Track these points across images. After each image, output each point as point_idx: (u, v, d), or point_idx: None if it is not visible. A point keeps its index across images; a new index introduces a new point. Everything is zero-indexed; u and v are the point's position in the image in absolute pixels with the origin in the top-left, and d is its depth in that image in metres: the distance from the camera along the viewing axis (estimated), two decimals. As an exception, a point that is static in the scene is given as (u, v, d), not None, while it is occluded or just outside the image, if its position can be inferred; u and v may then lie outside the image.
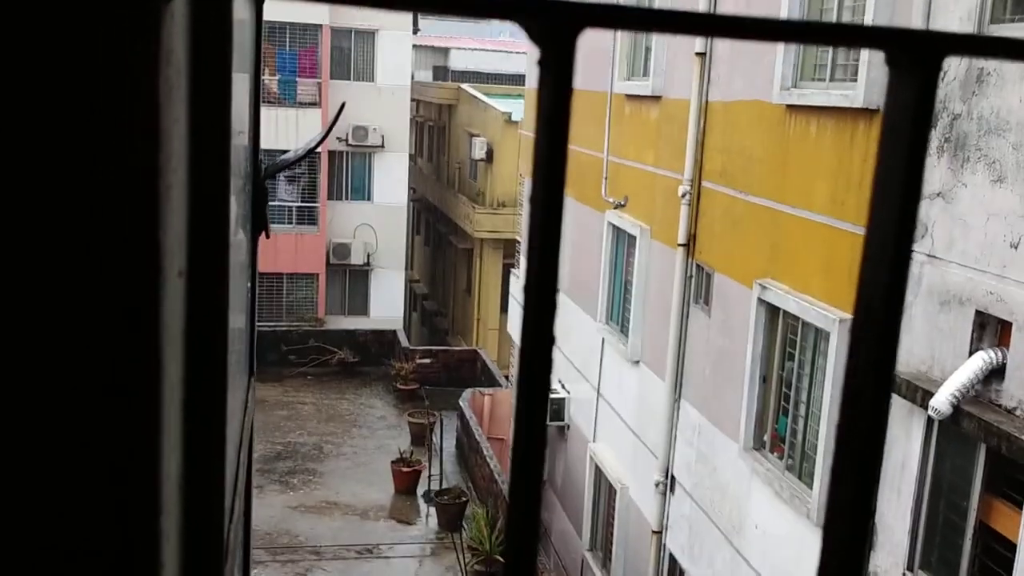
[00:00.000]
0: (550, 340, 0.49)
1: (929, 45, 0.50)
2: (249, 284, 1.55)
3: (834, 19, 7.92)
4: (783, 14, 8.38)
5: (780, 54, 8.42)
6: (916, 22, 6.66)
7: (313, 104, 25.34)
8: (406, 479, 17.57)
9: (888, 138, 0.51)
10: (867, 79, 7.19)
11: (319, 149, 25.23)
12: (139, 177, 0.44)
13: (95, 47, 0.42)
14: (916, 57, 0.50)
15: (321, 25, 25.22)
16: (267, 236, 1.64)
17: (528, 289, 0.48)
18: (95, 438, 0.47)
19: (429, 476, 17.50)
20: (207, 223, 0.62)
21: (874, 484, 0.53)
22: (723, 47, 9.78)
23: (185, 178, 0.58)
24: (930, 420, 6.31)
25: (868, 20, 7.20)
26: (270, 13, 26.69)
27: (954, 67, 6.37)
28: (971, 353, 6.01)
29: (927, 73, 0.49)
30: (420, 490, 17.64)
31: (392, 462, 17.79)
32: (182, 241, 0.57)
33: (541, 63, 0.48)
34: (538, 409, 0.51)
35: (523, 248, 18.18)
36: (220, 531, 0.80)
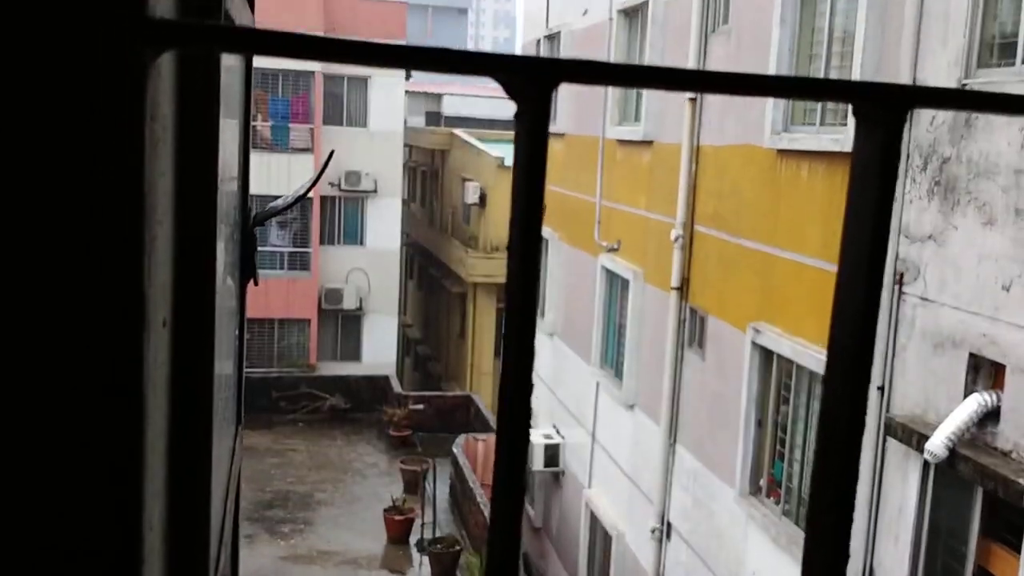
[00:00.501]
0: (528, 383, 0.49)
1: (893, 98, 0.51)
2: (237, 332, 1.56)
3: (823, 63, 8.04)
4: (772, 60, 8.50)
5: (770, 99, 8.53)
6: (904, 66, 6.76)
7: (306, 150, 25.50)
8: (399, 528, 17.37)
9: (856, 188, 0.52)
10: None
11: (311, 194, 25.34)
12: (123, 229, 0.45)
13: (81, 103, 0.44)
14: (881, 110, 0.51)
15: (314, 72, 25.48)
16: (255, 283, 1.64)
17: (507, 339, 0.49)
18: (74, 486, 0.47)
19: (422, 524, 17.30)
20: (193, 273, 0.63)
21: (851, 511, 0.53)
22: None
23: (171, 229, 0.59)
24: (926, 464, 6.29)
25: (856, 64, 7.31)
26: (262, 60, 27.00)
27: (942, 111, 6.46)
28: (966, 396, 6.01)
29: (892, 125, 0.51)
30: (413, 539, 17.43)
31: (384, 510, 17.60)
32: (167, 291, 0.58)
33: (517, 116, 0.49)
34: (518, 462, 0.51)
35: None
36: (204, 581, 0.79)
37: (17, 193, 0.45)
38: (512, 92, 0.48)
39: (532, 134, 0.48)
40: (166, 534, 0.64)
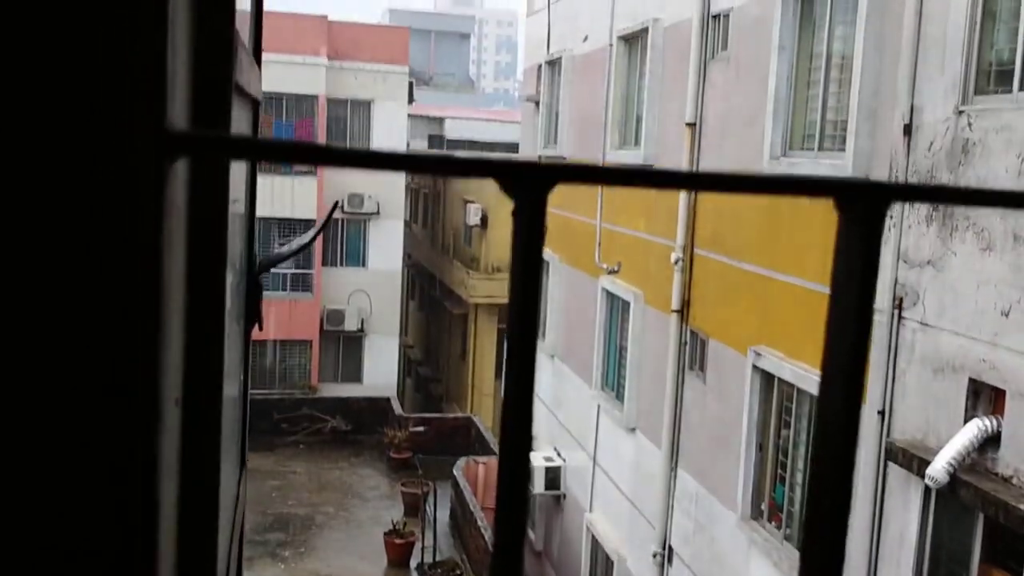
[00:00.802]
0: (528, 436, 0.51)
1: (874, 193, 0.54)
2: (242, 377, 1.58)
3: (821, 89, 8.09)
4: (771, 86, 8.56)
5: (769, 123, 8.59)
6: (901, 93, 6.81)
7: (309, 173, 25.60)
8: (399, 551, 17.29)
9: (839, 279, 0.54)
10: (855, 149, 7.32)
11: (313, 215, 25.41)
12: (139, 324, 0.48)
13: (101, 209, 0.46)
14: (862, 205, 0.53)
15: (317, 96, 25.62)
16: (260, 329, 1.67)
17: (503, 431, 0.51)
18: (90, 564, 0.49)
19: (423, 548, 17.23)
20: (203, 351, 0.65)
21: (846, 528, 0.55)
22: (713, 116, 9.96)
23: (183, 311, 0.61)
24: (927, 489, 6.28)
25: (854, 90, 7.36)
26: (267, 84, 27.02)
27: (939, 137, 6.50)
28: (966, 421, 6.01)
29: (872, 220, 0.53)
30: (413, 562, 17.35)
31: (385, 533, 17.53)
32: (179, 371, 0.60)
33: (514, 214, 0.52)
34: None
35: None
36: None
37: (43, 289, 0.47)
38: (510, 192, 0.51)
39: (529, 232, 0.50)
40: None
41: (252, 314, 1.55)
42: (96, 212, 0.46)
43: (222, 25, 0.71)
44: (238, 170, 1.44)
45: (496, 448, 20.93)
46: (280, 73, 24.63)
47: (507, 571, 0.52)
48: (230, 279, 1.37)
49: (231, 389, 1.33)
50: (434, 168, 0.50)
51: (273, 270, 26.23)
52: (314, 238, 2.56)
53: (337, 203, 3.24)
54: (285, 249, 2.62)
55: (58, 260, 0.47)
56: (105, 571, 0.51)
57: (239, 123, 1.22)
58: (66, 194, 0.45)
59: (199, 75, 0.67)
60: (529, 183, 0.49)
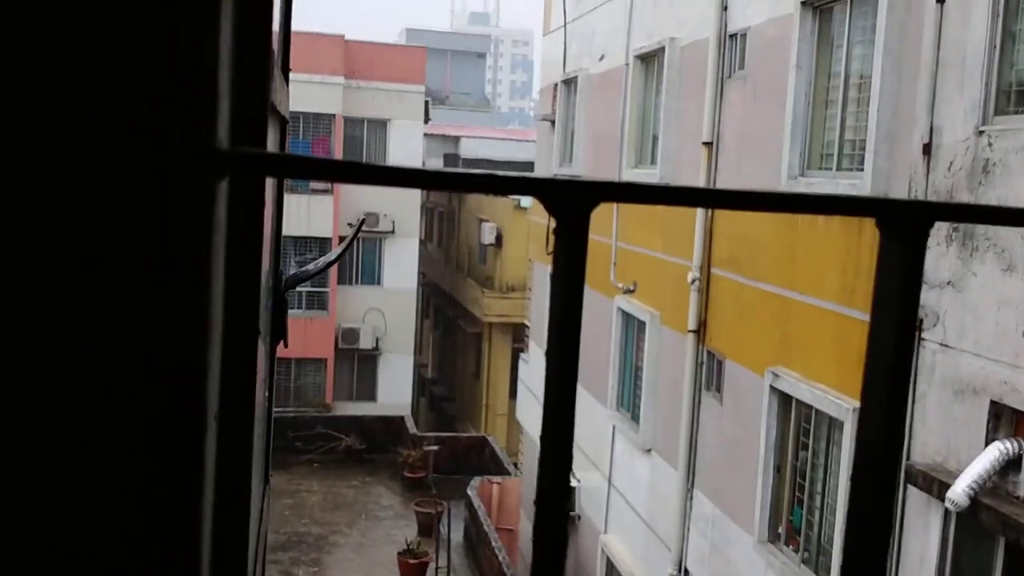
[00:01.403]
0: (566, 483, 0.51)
1: (916, 213, 0.53)
2: (267, 393, 1.58)
3: (839, 108, 8.08)
4: (788, 106, 8.55)
5: (787, 143, 8.58)
6: (920, 113, 6.79)
7: (325, 192, 25.74)
8: (413, 571, 17.22)
9: (880, 297, 0.54)
10: (874, 168, 7.30)
11: (330, 234, 25.52)
12: (191, 333, 0.48)
13: (153, 227, 0.47)
14: (904, 224, 0.53)
15: (334, 115, 25.79)
16: (285, 346, 1.67)
17: (543, 452, 0.51)
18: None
19: (436, 568, 17.16)
20: (237, 367, 0.66)
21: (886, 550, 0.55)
22: (730, 136, 9.96)
23: (220, 327, 0.62)
24: (947, 512, 6.21)
25: (873, 109, 7.34)
26: (285, 104, 27.09)
27: (959, 157, 6.47)
28: (987, 443, 5.95)
29: (915, 239, 0.53)
30: (428, 581, 17.26)
31: (399, 553, 17.47)
32: (216, 385, 0.61)
33: (557, 231, 0.52)
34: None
35: (534, 338, 17.92)
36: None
37: (101, 307, 0.48)
38: (553, 210, 0.51)
39: (571, 249, 0.50)
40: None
41: (278, 331, 1.56)
42: (150, 229, 0.46)
43: (261, 44, 0.72)
44: (267, 189, 1.45)
45: (510, 468, 20.86)
46: (297, 92, 24.74)
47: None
48: (260, 297, 1.38)
49: (258, 407, 1.34)
50: (477, 187, 0.50)
51: (289, 288, 26.33)
52: (341, 255, 2.57)
53: (363, 219, 3.26)
54: (311, 267, 2.63)
55: (113, 278, 0.47)
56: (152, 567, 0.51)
57: (270, 141, 1.23)
58: (122, 210, 0.46)
59: (239, 94, 0.68)
60: (572, 201, 0.49)
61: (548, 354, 0.52)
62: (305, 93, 25.08)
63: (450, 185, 0.49)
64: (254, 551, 1.20)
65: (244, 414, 0.68)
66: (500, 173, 0.51)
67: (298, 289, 26.21)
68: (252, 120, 0.71)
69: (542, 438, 0.52)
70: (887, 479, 0.55)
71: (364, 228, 26.36)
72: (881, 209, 0.54)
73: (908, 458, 6.70)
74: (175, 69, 0.46)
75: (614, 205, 12.98)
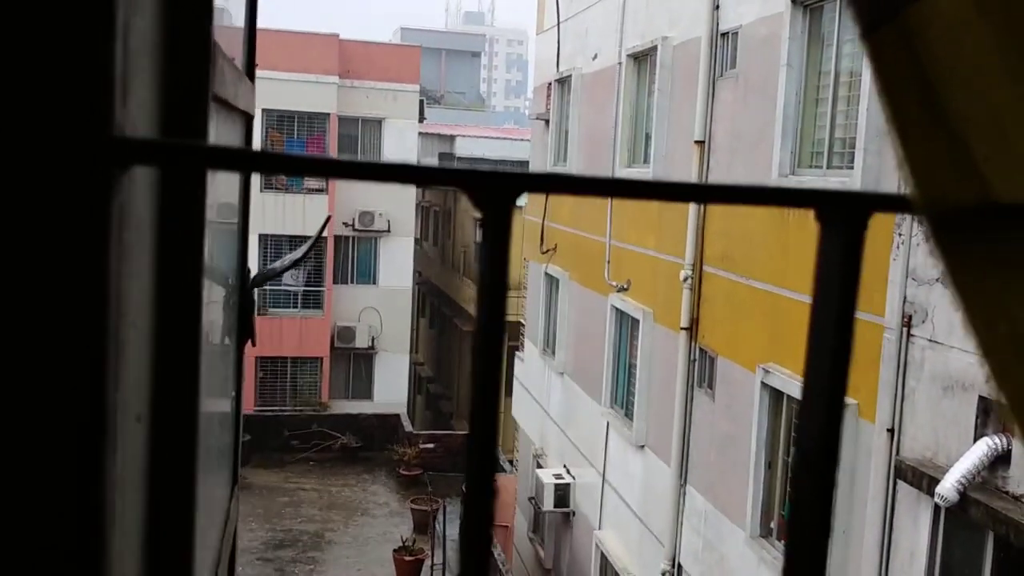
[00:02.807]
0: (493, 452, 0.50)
1: (855, 204, 0.52)
2: (234, 394, 1.56)
3: (829, 106, 8.08)
4: (779, 103, 8.55)
5: (778, 141, 8.57)
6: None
7: (320, 191, 25.70)
8: (409, 568, 17.22)
9: (820, 289, 0.53)
10: (864, 166, 7.29)
11: (325, 234, 25.48)
12: (85, 336, 0.46)
13: (45, 220, 0.45)
14: (843, 215, 0.52)
15: (329, 114, 25.75)
16: (253, 344, 1.66)
17: (470, 447, 0.49)
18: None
19: (432, 565, 17.16)
20: (176, 367, 0.64)
21: (828, 533, 0.53)
22: (722, 134, 9.96)
23: (149, 324, 0.60)
24: (937, 508, 6.21)
25: (863, 107, 7.34)
26: (279, 102, 27.00)
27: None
28: (976, 439, 5.95)
29: (854, 230, 0.52)
30: (423, 579, 17.26)
31: (394, 551, 17.47)
32: (142, 386, 0.59)
33: (481, 224, 0.50)
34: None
35: (529, 336, 17.97)
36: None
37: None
38: (477, 203, 0.50)
39: (495, 240, 0.49)
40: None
41: (245, 330, 1.54)
42: (32, 219, 0.45)
43: (197, 35, 0.70)
44: (229, 186, 1.43)
45: (505, 465, 20.87)
46: (292, 91, 24.78)
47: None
48: (222, 294, 1.36)
49: (220, 405, 1.32)
50: (398, 177, 0.48)
51: (284, 287, 26.32)
52: (307, 253, 2.55)
53: (329, 217, 3.26)
54: (278, 264, 2.62)
55: None
56: None
57: (227, 136, 1.22)
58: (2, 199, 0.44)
59: (172, 85, 0.66)
60: (495, 192, 0.48)
61: (473, 339, 0.51)
62: (299, 92, 25.05)
63: (368, 175, 0.48)
64: (216, 553, 1.18)
65: (184, 414, 0.67)
66: (422, 164, 0.49)
67: (293, 288, 26.19)
68: (189, 112, 0.69)
69: (467, 450, 0.51)
70: (828, 468, 0.53)
71: (359, 227, 26.35)
72: (819, 200, 0.53)
73: (898, 453, 6.70)
74: (62, 54, 0.44)
75: (608, 204, 12.97)
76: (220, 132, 1.08)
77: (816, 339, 0.54)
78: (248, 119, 1.55)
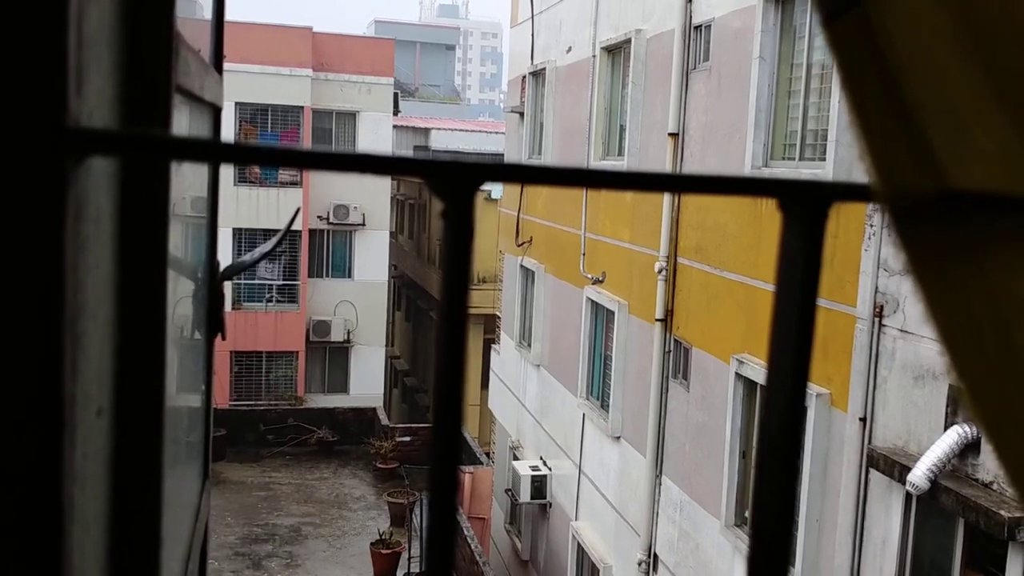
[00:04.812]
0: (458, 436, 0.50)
1: (816, 194, 0.52)
2: (204, 387, 1.55)
3: (802, 99, 8.13)
4: (752, 96, 8.59)
5: (750, 133, 8.62)
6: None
7: (294, 184, 25.55)
8: (385, 561, 17.21)
9: (782, 278, 0.53)
10: (835, 158, 7.35)
11: (299, 227, 25.35)
12: (38, 330, 0.46)
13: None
14: (804, 205, 0.52)
15: (303, 107, 25.59)
16: (223, 338, 1.65)
17: (434, 438, 0.49)
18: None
19: (409, 558, 17.16)
20: (137, 361, 0.63)
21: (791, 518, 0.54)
22: (696, 126, 9.99)
23: (111, 316, 0.59)
24: (908, 496, 6.29)
25: (835, 99, 7.39)
26: (252, 95, 26.79)
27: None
28: (947, 427, 6.03)
29: (816, 219, 0.52)
30: (400, 572, 17.26)
31: (371, 544, 17.45)
32: (104, 379, 0.58)
33: (443, 215, 0.50)
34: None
35: (505, 329, 17.96)
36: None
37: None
38: (438, 192, 0.49)
39: (457, 231, 0.49)
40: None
41: (214, 323, 1.53)
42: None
43: (159, 25, 0.69)
44: (198, 178, 1.42)
45: (482, 458, 20.91)
46: (265, 84, 24.61)
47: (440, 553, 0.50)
48: (191, 287, 1.35)
49: (189, 399, 1.30)
50: (361, 167, 0.48)
51: (259, 281, 26.16)
52: (276, 245, 2.54)
53: (299, 209, 3.24)
54: (248, 257, 2.60)
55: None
56: None
57: (194, 129, 1.20)
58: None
59: (133, 76, 0.65)
60: (455, 182, 0.48)
61: (437, 331, 0.51)
62: (273, 85, 24.87)
63: (329, 165, 0.47)
64: (186, 548, 1.17)
65: (148, 408, 0.66)
66: (381, 153, 0.49)
67: (268, 282, 26.03)
68: (150, 102, 0.68)
69: (433, 432, 0.51)
70: (790, 456, 0.54)
71: (334, 220, 26.22)
72: (781, 190, 0.53)
73: (870, 442, 6.77)
74: (10, 41, 0.43)
75: (583, 197, 12.99)
76: (186, 124, 1.07)
77: (779, 326, 0.54)
78: (216, 112, 1.54)
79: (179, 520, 1.09)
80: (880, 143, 0.50)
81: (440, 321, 0.52)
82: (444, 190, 0.48)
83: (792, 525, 0.53)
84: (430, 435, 0.50)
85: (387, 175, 0.50)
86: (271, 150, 0.46)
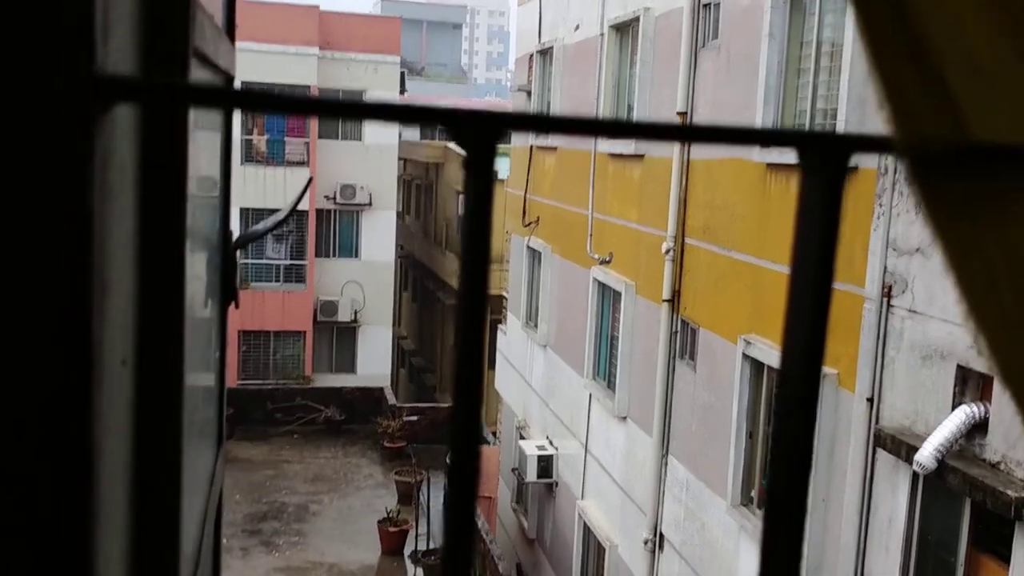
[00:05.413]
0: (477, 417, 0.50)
1: (836, 146, 0.52)
2: (218, 353, 1.56)
3: (811, 76, 8.08)
4: (761, 74, 8.54)
5: (759, 111, 8.58)
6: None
7: (301, 163, 25.53)
8: (393, 539, 17.33)
9: (801, 233, 0.53)
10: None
11: (307, 208, 25.36)
12: (68, 276, 0.46)
13: (27, 159, 0.45)
14: (824, 157, 0.52)
15: (309, 86, 25.52)
16: (236, 306, 1.65)
17: (456, 378, 0.50)
18: (19, 524, 0.47)
19: (416, 536, 17.27)
20: (158, 313, 0.64)
21: (805, 503, 0.54)
22: (704, 105, 9.95)
23: (132, 269, 0.60)
24: (915, 475, 6.30)
25: (844, 78, 7.34)
26: (259, 74, 26.70)
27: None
28: (954, 407, 6.03)
29: (835, 172, 0.52)
30: (407, 550, 17.39)
31: (379, 522, 17.56)
32: (128, 330, 0.59)
33: (466, 165, 0.51)
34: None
35: (511, 310, 17.94)
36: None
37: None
38: (460, 142, 0.50)
39: (480, 179, 0.49)
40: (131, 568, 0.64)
41: (228, 291, 1.54)
42: (15, 157, 0.44)
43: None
44: (211, 148, 1.42)
45: (488, 437, 20.97)
46: (271, 63, 24.54)
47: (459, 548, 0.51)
48: (205, 254, 1.35)
49: (205, 365, 1.32)
50: (381, 115, 0.48)
51: (266, 261, 26.19)
52: (290, 213, 2.55)
53: (311, 179, 3.24)
54: (260, 226, 2.61)
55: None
56: (40, 515, 0.49)
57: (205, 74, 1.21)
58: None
59: (152, 33, 0.66)
60: (478, 131, 0.48)
61: (459, 288, 0.51)
62: (279, 65, 24.80)
63: (348, 114, 0.48)
64: (202, 512, 1.19)
65: (170, 361, 0.67)
66: (404, 102, 0.49)
67: (276, 262, 26.07)
68: (169, 61, 0.68)
69: (454, 397, 0.51)
70: (807, 419, 0.54)
71: (341, 200, 26.21)
72: (799, 141, 0.53)
73: (877, 422, 6.78)
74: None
75: (590, 177, 12.96)
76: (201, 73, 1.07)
77: (797, 284, 0.54)
78: (229, 80, 1.54)
79: (197, 485, 1.10)
80: (898, 91, 0.50)
81: (462, 270, 0.52)
82: (467, 139, 0.48)
83: (807, 493, 0.53)
84: (448, 413, 0.51)
85: (408, 124, 0.50)
86: (289, 98, 0.47)
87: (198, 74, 0.90)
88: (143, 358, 0.62)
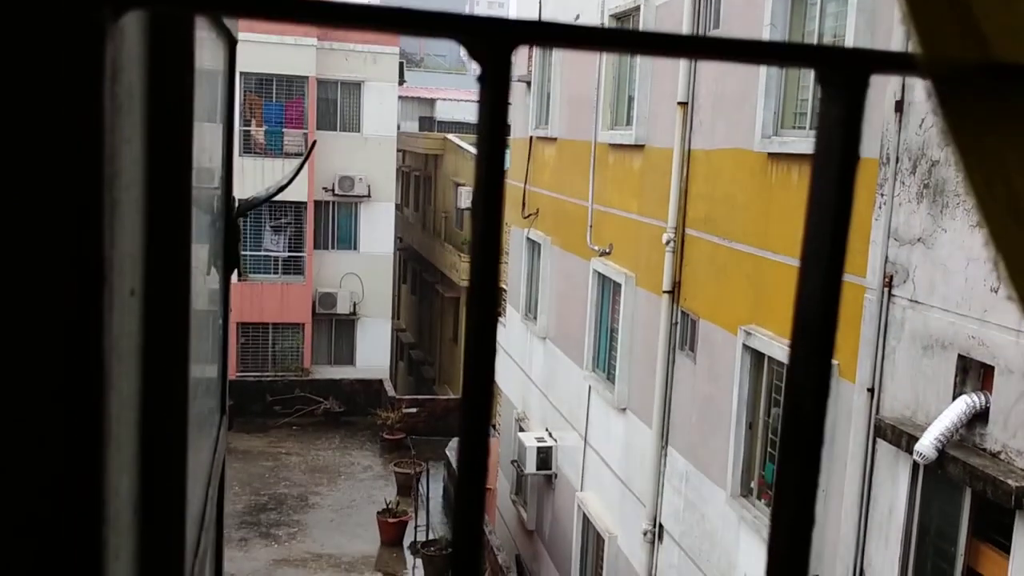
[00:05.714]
0: (492, 342, 0.49)
1: (856, 62, 0.52)
2: (221, 321, 1.56)
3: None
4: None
5: (760, 102, 8.56)
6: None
7: (299, 154, 25.47)
8: (392, 530, 17.35)
9: (821, 155, 0.52)
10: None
11: (305, 199, 25.32)
12: (80, 190, 0.45)
13: (34, 66, 0.44)
14: (845, 74, 0.51)
15: (308, 77, 25.47)
16: (240, 276, 1.65)
17: (470, 305, 0.49)
18: (33, 452, 0.47)
19: (416, 527, 17.29)
20: (165, 243, 0.63)
21: (815, 486, 0.53)
22: (705, 95, 9.93)
23: (140, 198, 0.59)
24: (916, 465, 6.30)
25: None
26: (257, 65, 26.65)
27: (931, 114, 6.48)
28: (955, 397, 6.03)
29: (855, 89, 0.51)
30: (407, 541, 17.40)
31: (378, 513, 17.58)
32: (136, 261, 0.58)
33: (480, 78, 0.50)
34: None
35: (510, 302, 17.93)
36: (180, 560, 0.79)
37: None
38: (473, 53, 0.49)
39: (493, 94, 0.48)
40: (137, 501, 0.63)
41: (231, 257, 1.53)
42: (25, 61, 0.44)
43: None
44: (213, 130, 1.41)
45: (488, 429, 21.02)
46: (270, 54, 24.48)
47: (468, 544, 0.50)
48: (207, 219, 1.34)
49: (209, 329, 1.31)
50: (393, 25, 0.47)
51: (265, 253, 26.16)
52: (292, 178, 2.54)
53: (314, 143, 3.23)
54: (262, 192, 2.60)
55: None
56: (51, 446, 0.48)
57: (214, 58, 1.20)
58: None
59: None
60: (494, 40, 0.47)
61: (472, 212, 0.50)
62: (278, 55, 24.74)
63: (354, 22, 0.47)
64: (207, 475, 1.18)
65: (176, 291, 0.66)
66: (418, 10, 0.48)
67: (274, 254, 26.05)
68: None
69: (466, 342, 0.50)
70: (824, 353, 0.53)
71: (339, 192, 26.18)
72: (819, 57, 0.53)
73: (877, 412, 6.77)
74: None
75: (590, 168, 12.94)
76: (211, 54, 1.06)
77: (817, 201, 0.53)
78: (232, 43, 1.53)
79: (199, 444, 1.09)
80: (923, 9, 0.49)
81: (475, 192, 0.51)
82: (482, 49, 0.47)
83: (818, 473, 0.52)
84: (450, 405, 0.50)
85: (419, 35, 0.49)
86: (302, 3, 0.46)
87: (203, 35, 0.89)
88: (151, 288, 0.61)
